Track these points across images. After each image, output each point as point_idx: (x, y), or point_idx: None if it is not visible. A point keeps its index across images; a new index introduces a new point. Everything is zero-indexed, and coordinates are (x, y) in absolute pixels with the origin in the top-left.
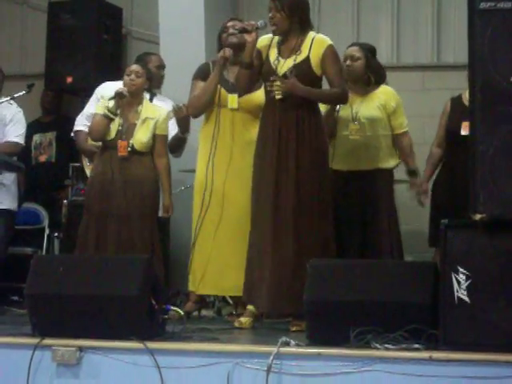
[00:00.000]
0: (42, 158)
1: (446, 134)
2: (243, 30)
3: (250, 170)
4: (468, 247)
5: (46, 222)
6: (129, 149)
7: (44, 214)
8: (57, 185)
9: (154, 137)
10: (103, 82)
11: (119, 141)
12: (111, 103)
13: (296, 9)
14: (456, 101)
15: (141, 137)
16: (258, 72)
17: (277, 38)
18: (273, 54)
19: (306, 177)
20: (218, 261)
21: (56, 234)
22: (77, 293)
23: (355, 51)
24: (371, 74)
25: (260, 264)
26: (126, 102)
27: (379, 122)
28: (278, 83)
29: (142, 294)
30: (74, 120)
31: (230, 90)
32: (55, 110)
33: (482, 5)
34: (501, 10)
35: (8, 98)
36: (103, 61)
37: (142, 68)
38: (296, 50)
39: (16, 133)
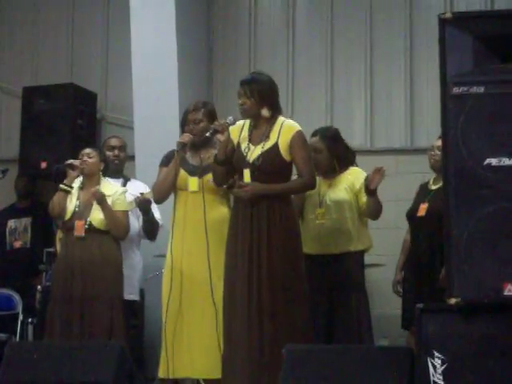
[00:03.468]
0: (17, 244)
1: (407, 219)
2: (215, 132)
3: (215, 251)
4: (443, 331)
5: (19, 308)
6: (86, 226)
7: (18, 299)
8: (31, 270)
9: None
10: None
11: (76, 221)
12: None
13: (266, 95)
14: (423, 186)
15: (98, 214)
16: (232, 163)
17: (248, 122)
18: (244, 141)
19: (279, 264)
20: (188, 342)
21: (30, 320)
22: (51, 380)
23: (316, 142)
24: (336, 162)
25: (235, 350)
26: (84, 185)
27: (346, 204)
28: (237, 191)
29: (117, 382)
30: (48, 205)
31: (191, 173)
32: (29, 195)
33: (455, 90)
34: (474, 95)
35: None
36: (78, 145)
37: (94, 150)
38: (265, 136)
39: None
